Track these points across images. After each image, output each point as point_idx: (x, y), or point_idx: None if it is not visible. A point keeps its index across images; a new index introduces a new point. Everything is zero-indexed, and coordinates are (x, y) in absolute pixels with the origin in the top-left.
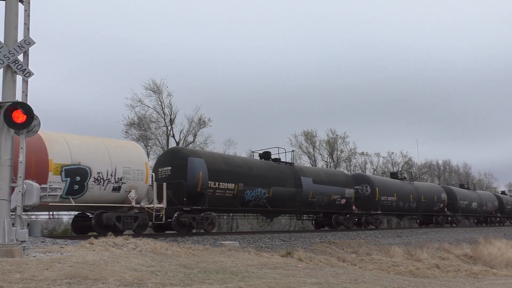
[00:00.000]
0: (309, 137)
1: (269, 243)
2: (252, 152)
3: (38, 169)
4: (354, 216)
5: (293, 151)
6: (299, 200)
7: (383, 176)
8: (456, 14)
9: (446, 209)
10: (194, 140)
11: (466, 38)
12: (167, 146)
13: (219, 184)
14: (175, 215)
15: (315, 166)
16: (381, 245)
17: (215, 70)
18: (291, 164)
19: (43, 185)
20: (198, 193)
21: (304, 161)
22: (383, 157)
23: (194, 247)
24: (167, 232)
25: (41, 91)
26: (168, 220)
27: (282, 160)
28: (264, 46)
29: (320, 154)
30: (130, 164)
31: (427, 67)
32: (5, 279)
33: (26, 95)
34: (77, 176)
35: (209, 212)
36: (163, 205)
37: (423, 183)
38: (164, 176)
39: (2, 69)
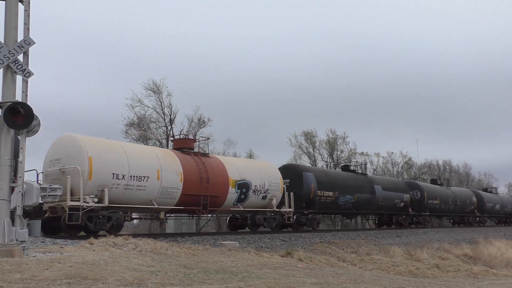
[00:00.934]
0: (309, 137)
1: (269, 243)
2: (334, 165)
3: (223, 183)
4: (409, 216)
5: (366, 164)
6: (373, 204)
7: (425, 182)
8: (456, 11)
9: (476, 211)
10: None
11: (466, 38)
12: (167, 146)
13: (323, 193)
14: (295, 216)
15: (315, 166)
16: (381, 245)
17: (215, 70)
18: (365, 174)
19: (43, 185)
20: (310, 200)
21: (304, 161)
22: (383, 157)
23: (194, 247)
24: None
25: (40, 91)
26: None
27: (356, 171)
28: (264, 46)
29: (320, 154)
30: (272, 179)
31: (427, 66)
32: (5, 279)
33: (26, 95)
34: (243, 188)
35: (315, 214)
36: (292, 209)
37: (458, 188)
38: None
39: (2, 69)
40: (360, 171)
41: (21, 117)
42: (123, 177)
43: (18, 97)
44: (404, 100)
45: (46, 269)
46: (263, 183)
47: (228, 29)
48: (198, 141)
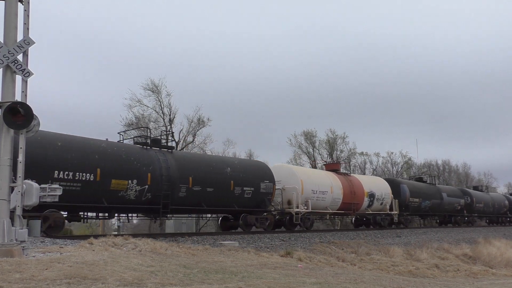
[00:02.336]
0: (309, 137)
1: (268, 243)
2: (410, 177)
3: (361, 194)
4: (463, 217)
5: (435, 176)
6: (441, 207)
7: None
8: (455, 10)
9: (508, 213)
10: (193, 140)
11: (466, 37)
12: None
13: (413, 199)
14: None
15: (315, 166)
16: (381, 245)
17: (214, 70)
18: (434, 184)
19: (42, 185)
20: (406, 205)
21: (304, 161)
22: (382, 157)
23: (193, 247)
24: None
25: (39, 91)
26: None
27: (427, 181)
28: (264, 46)
29: (320, 154)
30: (385, 190)
31: (427, 66)
32: (5, 279)
33: (26, 95)
34: (371, 197)
35: (408, 215)
36: (397, 211)
37: (493, 194)
38: (392, 195)
39: (1, 69)
40: (430, 182)
41: (20, 117)
42: (316, 192)
43: (18, 97)
44: (404, 100)
45: (46, 269)
46: (381, 193)
47: (227, 29)
48: (345, 163)
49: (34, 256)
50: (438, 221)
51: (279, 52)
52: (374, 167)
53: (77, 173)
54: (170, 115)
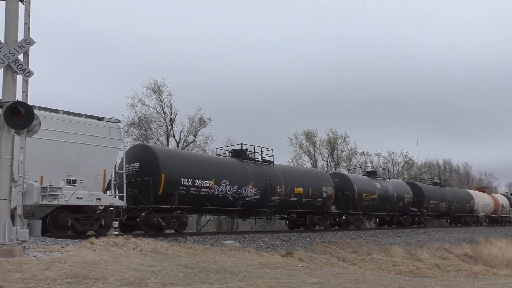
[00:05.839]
0: (310, 137)
1: (269, 243)
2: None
3: (499, 205)
4: None
5: None
6: None
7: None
8: (455, 11)
9: None
10: (194, 140)
11: (466, 37)
12: (168, 145)
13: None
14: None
15: (315, 166)
16: (382, 245)
17: (215, 70)
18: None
19: (43, 185)
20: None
21: (304, 161)
22: (383, 157)
23: (194, 247)
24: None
25: (40, 89)
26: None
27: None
28: (264, 46)
29: (321, 154)
30: (507, 202)
31: (427, 66)
32: (6, 279)
33: (27, 95)
34: (502, 206)
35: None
36: None
37: None
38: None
39: (2, 68)
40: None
41: (21, 117)
42: (486, 204)
43: (19, 97)
44: (404, 100)
45: (47, 268)
46: (506, 204)
47: (228, 30)
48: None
49: (35, 256)
50: None
51: (281, 53)
52: (375, 167)
53: (434, 201)
54: (171, 115)
